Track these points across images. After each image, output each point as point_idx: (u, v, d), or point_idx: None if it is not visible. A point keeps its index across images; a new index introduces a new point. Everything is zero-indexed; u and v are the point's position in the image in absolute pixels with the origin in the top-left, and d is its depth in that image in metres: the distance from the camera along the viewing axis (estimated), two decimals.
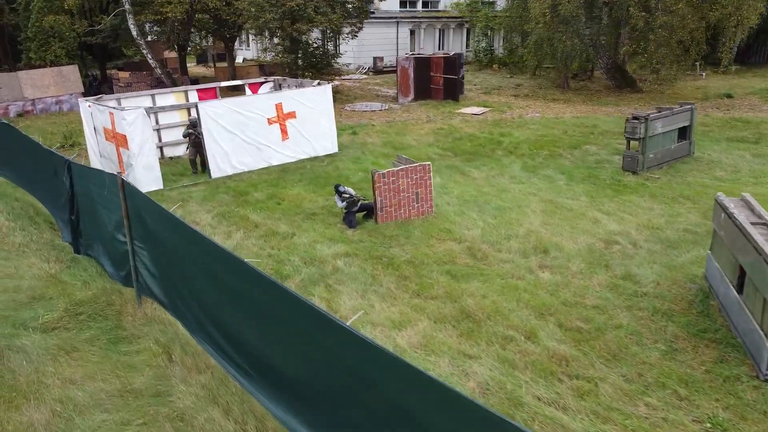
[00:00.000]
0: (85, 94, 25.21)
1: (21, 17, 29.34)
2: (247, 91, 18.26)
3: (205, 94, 17.55)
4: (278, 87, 18.68)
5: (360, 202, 11.45)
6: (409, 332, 7.46)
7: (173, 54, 37.09)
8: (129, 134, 13.40)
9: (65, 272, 9.46)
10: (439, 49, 43.02)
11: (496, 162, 15.71)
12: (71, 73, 26.28)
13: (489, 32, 38.68)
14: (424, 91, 26.06)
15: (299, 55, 24.62)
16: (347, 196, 11.40)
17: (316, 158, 16.50)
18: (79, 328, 7.79)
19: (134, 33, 27.16)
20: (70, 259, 9.95)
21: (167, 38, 32.65)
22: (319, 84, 16.55)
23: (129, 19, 26.75)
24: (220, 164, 14.92)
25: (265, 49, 27.14)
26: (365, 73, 37.14)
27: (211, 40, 36.75)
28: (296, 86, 18.02)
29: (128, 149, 13.54)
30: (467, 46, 44.48)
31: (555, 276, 8.97)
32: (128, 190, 7.80)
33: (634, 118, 14.11)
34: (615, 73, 26.95)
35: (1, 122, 12.53)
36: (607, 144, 17.33)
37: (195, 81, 30.49)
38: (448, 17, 42.99)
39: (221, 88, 17.93)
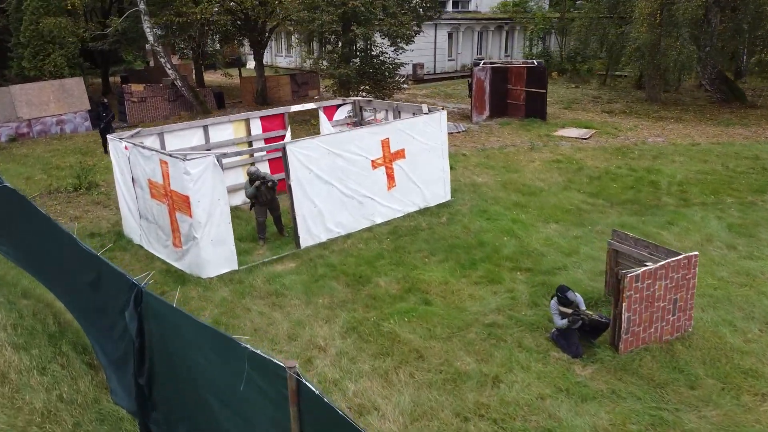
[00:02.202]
0: (94, 126, 20.64)
1: (11, 19, 24.64)
2: (322, 116, 13.91)
3: (271, 123, 13.17)
4: (358, 112, 14.35)
5: (590, 318, 7.16)
6: None
7: (178, 60, 32.49)
8: (193, 195, 9.02)
9: None
10: (478, 54, 38.86)
11: (681, 217, 11.49)
12: (75, 86, 21.70)
13: (543, 35, 34.49)
14: (500, 107, 21.85)
15: (357, 65, 20.25)
16: (571, 311, 7.12)
17: (427, 210, 12.20)
18: None
19: (150, 38, 22.66)
20: None
21: (181, 43, 28.16)
22: (430, 111, 12.25)
23: (144, 22, 22.25)
24: (311, 228, 10.56)
25: (315, 57, 22.57)
26: (404, 83, 32.80)
27: (217, 44, 32.20)
28: (388, 110, 13.70)
29: (190, 216, 9.15)
30: (506, 50, 40.37)
31: None
32: (307, 396, 3.55)
33: None
34: (721, 85, 22.94)
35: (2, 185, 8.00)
36: None
37: (220, 95, 26.00)
38: (487, 18, 38.83)
39: (289, 114, 13.55)
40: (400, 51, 20.85)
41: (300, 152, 10.14)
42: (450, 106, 24.64)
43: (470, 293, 8.77)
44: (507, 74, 21.76)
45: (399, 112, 13.34)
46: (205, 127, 12.13)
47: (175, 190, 9.30)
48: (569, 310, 7.10)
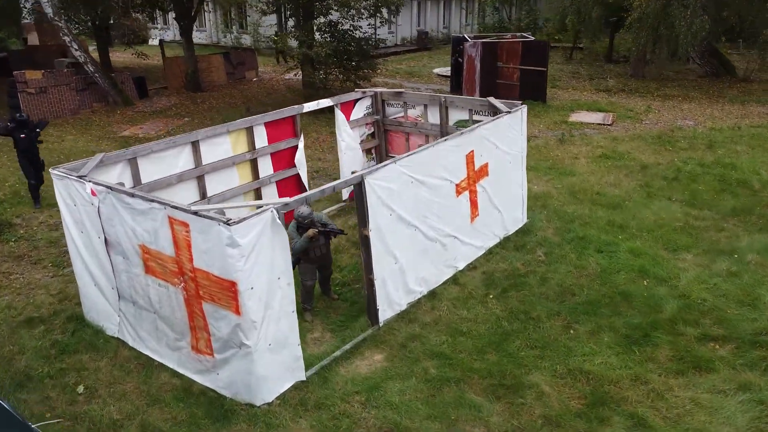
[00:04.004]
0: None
1: None
2: (339, 116, 10.21)
3: (278, 130, 9.34)
4: (380, 108, 10.81)
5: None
6: None
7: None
8: (244, 279, 5.28)
9: None
10: (418, 26, 35.73)
11: None
12: None
13: (499, 5, 31.86)
14: (489, 88, 18.90)
15: (332, 43, 16.39)
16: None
17: (509, 242, 9.09)
18: None
19: (48, 10, 17.40)
20: None
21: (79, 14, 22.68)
22: (510, 111, 8.97)
23: None
24: (391, 294, 7.11)
25: (280, 34, 18.22)
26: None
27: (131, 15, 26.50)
28: (428, 105, 10.28)
29: (237, 313, 5.42)
30: (444, 22, 37.52)
31: None
32: None
33: None
34: (711, 59, 21.45)
35: None
36: None
37: (141, 81, 21.01)
38: None
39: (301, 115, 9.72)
40: (382, 22, 17.26)
41: (380, 185, 6.62)
42: (423, 88, 21.43)
43: (690, 397, 5.81)
44: (497, 50, 18.84)
45: (446, 108, 10.00)
46: (195, 144, 8.15)
47: (204, 270, 5.50)
48: None
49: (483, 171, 8.36)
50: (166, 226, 5.66)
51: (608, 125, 15.87)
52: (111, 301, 6.82)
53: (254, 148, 8.92)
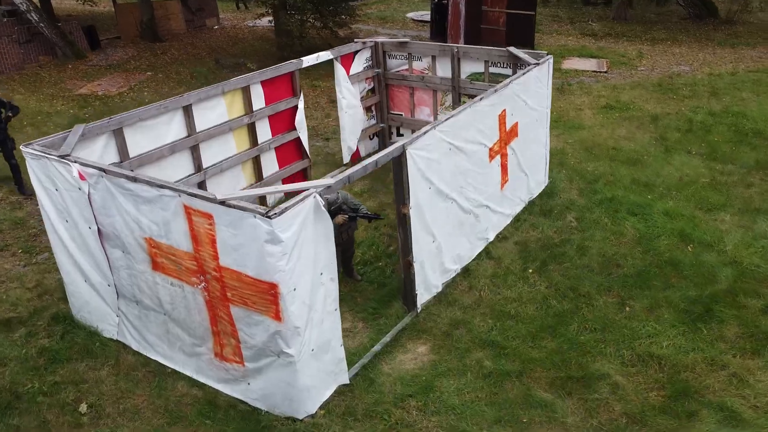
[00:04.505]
0: None
1: None
2: (339, 70, 9.09)
3: (275, 89, 8.20)
4: (381, 60, 9.73)
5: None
6: None
7: None
8: (287, 280, 4.39)
9: None
10: None
11: None
12: None
13: None
14: (474, 34, 17.85)
15: None
16: None
17: (534, 206, 8.39)
18: None
19: None
20: None
21: None
22: (538, 62, 8.06)
23: None
24: (429, 276, 6.33)
25: None
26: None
27: None
28: (436, 57, 9.27)
29: (279, 319, 4.54)
30: None
31: None
32: None
33: None
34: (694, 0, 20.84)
35: None
36: None
37: (91, 30, 18.95)
38: None
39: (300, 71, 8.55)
40: None
41: (420, 156, 5.72)
42: (401, 35, 20.16)
43: None
44: None
45: (459, 59, 9.03)
46: (187, 109, 6.99)
47: (233, 270, 4.57)
48: None
49: (513, 132, 7.54)
50: (181, 217, 4.67)
51: (604, 72, 15.16)
52: (107, 299, 5.82)
53: (252, 111, 7.81)
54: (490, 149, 7.04)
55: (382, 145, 10.41)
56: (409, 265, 6.06)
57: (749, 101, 12.56)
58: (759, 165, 9.68)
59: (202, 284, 4.89)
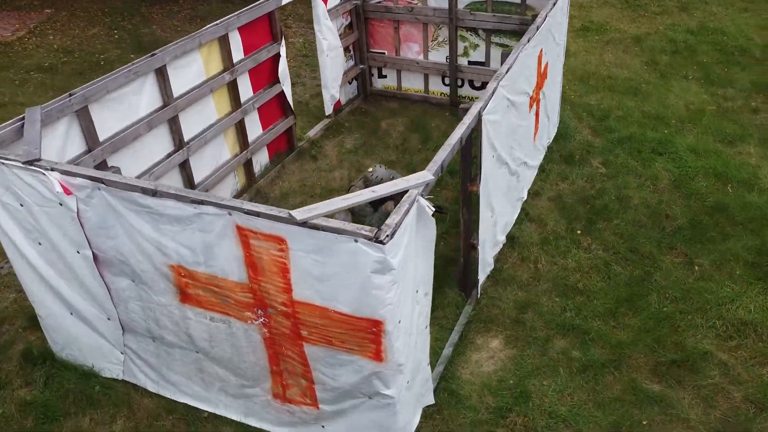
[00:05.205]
0: None
1: None
2: (319, 5, 7.55)
3: (253, 35, 6.66)
4: None
5: None
6: None
7: None
8: (393, 313, 3.35)
9: None
10: None
11: None
12: None
13: None
14: None
15: None
16: None
17: (553, 153, 7.62)
18: None
19: None
20: None
21: None
22: None
23: None
24: (486, 255, 5.46)
25: None
26: None
27: None
28: None
29: (380, 359, 3.53)
30: None
31: None
32: None
33: None
34: None
35: None
36: None
37: None
38: None
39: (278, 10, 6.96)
40: None
41: (491, 121, 4.67)
42: None
43: None
44: None
45: None
46: (160, 70, 5.42)
47: (316, 306, 3.45)
48: None
49: (545, 73, 6.58)
50: (232, 240, 3.43)
51: None
52: (107, 335, 4.51)
53: (232, 65, 6.30)
54: (531, 98, 6.08)
55: (362, 90, 9.14)
56: (472, 248, 5.14)
57: (721, 16, 12.17)
58: (756, 87, 9.34)
59: (261, 320, 3.75)
